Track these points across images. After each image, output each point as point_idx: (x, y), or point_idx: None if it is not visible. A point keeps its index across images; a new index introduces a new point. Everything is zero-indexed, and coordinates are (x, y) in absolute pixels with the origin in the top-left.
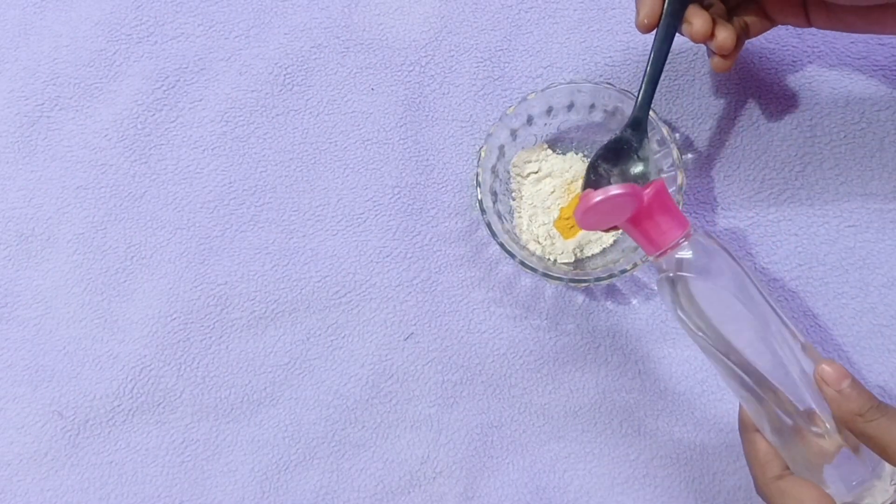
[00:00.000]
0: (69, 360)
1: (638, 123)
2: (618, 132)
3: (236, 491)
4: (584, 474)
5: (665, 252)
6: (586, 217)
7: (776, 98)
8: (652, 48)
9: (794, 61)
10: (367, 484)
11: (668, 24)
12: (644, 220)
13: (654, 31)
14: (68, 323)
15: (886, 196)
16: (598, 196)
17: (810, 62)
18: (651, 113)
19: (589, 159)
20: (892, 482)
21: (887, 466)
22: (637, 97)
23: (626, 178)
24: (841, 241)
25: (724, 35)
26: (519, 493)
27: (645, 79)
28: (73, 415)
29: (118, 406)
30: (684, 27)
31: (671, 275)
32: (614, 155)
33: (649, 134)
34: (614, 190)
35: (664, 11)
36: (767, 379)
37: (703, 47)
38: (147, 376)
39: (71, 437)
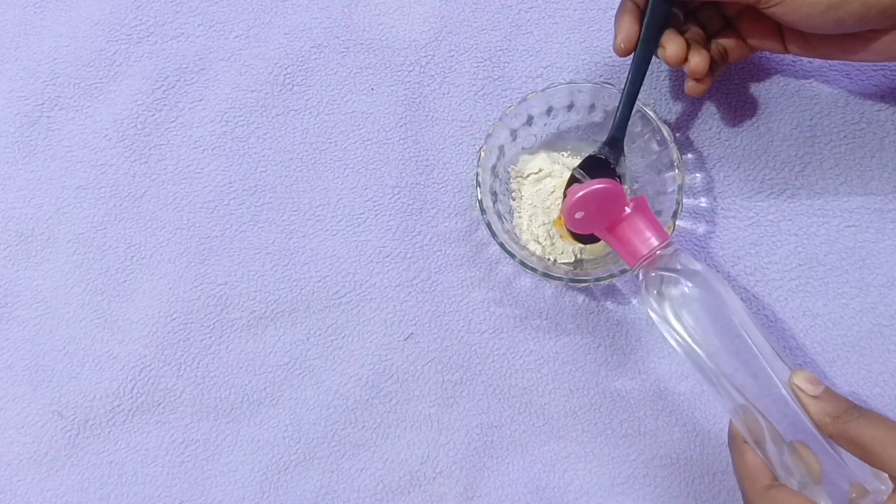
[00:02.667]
0: (69, 360)
1: (615, 142)
2: (595, 150)
3: (236, 491)
4: (584, 474)
5: (644, 260)
6: (573, 211)
7: (776, 98)
8: (629, 71)
9: (794, 61)
10: (367, 484)
11: (644, 49)
12: (625, 229)
13: (632, 55)
14: (68, 323)
15: (886, 196)
16: (582, 190)
17: (810, 62)
18: (651, 113)
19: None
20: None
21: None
22: (614, 118)
23: None
24: (841, 241)
25: (697, 60)
26: (519, 493)
27: (622, 100)
28: (73, 415)
29: (118, 406)
30: (659, 51)
31: (652, 274)
32: (593, 172)
33: (648, 135)
34: (596, 184)
35: (640, 37)
36: (749, 398)
37: None
38: (147, 376)
39: (71, 437)
